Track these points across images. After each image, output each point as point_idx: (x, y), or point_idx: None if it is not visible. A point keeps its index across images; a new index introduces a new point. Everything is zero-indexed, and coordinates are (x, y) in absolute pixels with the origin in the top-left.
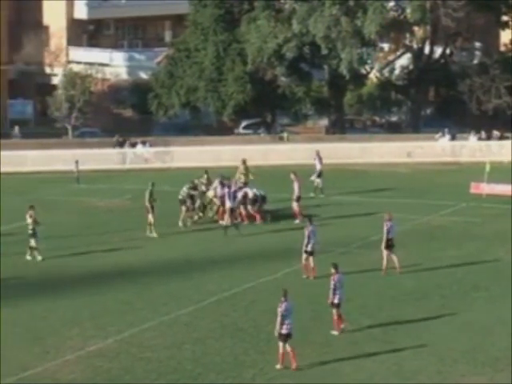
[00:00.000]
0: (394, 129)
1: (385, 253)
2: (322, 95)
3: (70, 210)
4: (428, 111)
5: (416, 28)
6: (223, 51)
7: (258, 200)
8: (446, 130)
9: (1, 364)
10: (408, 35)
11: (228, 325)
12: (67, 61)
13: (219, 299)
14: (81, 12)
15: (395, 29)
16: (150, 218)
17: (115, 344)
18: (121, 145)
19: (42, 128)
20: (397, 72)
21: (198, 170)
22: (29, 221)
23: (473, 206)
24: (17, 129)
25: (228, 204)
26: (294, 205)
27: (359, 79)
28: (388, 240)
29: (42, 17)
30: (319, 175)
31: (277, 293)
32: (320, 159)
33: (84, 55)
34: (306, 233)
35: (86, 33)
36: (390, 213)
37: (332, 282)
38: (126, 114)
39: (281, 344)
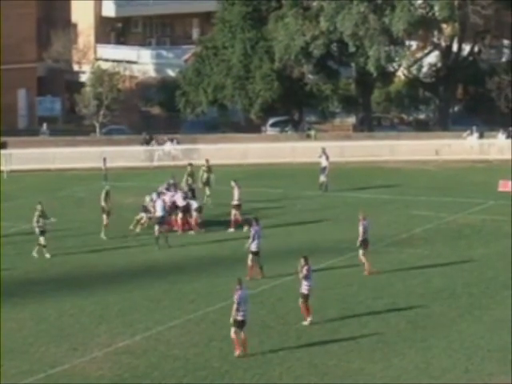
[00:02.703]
0: (421, 127)
1: (361, 252)
2: (349, 93)
3: (98, 207)
4: (456, 109)
5: (444, 25)
6: (251, 49)
7: (191, 209)
8: (475, 127)
9: (29, 361)
10: (436, 33)
11: (255, 322)
12: (95, 58)
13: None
14: (109, 10)
15: (423, 26)
16: (104, 219)
17: (143, 341)
18: (148, 142)
19: (70, 125)
20: (425, 70)
21: (225, 168)
22: (36, 218)
23: (501, 203)
24: (45, 126)
25: (158, 213)
26: (233, 213)
27: (387, 77)
28: (364, 240)
29: (71, 15)
30: (324, 173)
31: None
32: (327, 157)
33: (112, 53)
34: (252, 233)
35: (114, 30)
36: (364, 212)
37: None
38: (154, 111)
39: (233, 330)
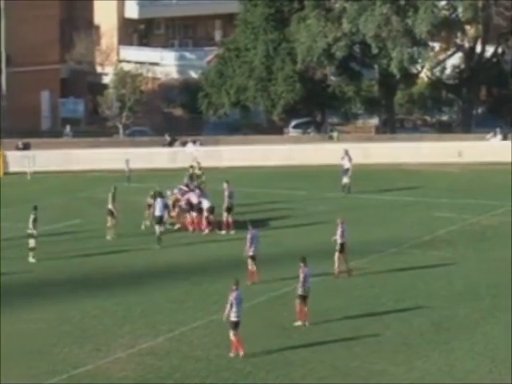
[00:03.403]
0: (444, 128)
1: (337, 256)
2: (372, 94)
3: (120, 208)
4: (479, 111)
5: (468, 27)
6: (273, 50)
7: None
8: (498, 129)
9: (53, 361)
10: (459, 34)
11: (278, 324)
12: (118, 60)
13: (269, 298)
14: (132, 11)
15: (446, 28)
16: (110, 221)
17: (166, 342)
18: (171, 144)
19: (93, 127)
20: (448, 71)
21: (248, 169)
22: (30, 221)
23: None
24: (68, 127)
25: (157, 212)
26: (224, 215)
27: (410, 78)
28: (341, 244)
29: (93, 16)
30: (347, 174)
31: (327, 293)
32: (349, 158)
33: (135, 54)
34: (248, 237)
35: (136, 32)
36: (342, 218)
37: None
38: (176, 113)
39: (232, 332)
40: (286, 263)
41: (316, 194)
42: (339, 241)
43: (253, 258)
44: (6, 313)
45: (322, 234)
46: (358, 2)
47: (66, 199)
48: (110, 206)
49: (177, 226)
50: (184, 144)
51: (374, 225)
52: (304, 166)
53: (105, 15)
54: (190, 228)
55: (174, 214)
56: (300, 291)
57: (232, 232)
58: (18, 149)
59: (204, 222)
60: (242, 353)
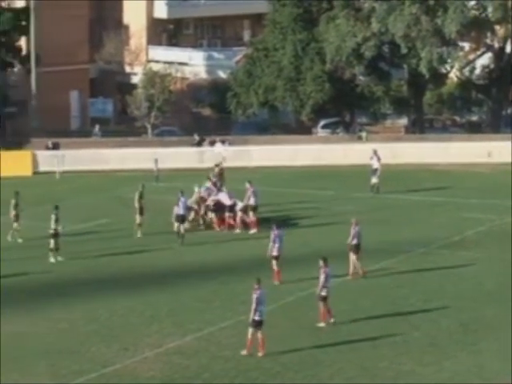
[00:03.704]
0: (474, 129)
1: (352, 257)
2: (401, 94)
3: (149, 208)
4: (509, 111)
5: (497, 27)
6: (302, 50)
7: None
8: None
9: (80, 360)
10: (489, 34)
11: (306, 324)
12: (147, 60)
13: (297, 298)
14: (161, 11)
15: (476, 28)
16: (139, 218)
17: (194, 342)
18: (199, 144)
19: (122, 127)
20: (477, 71)
21: (276, 169)
22: (52, 221)
23: None
24: (97, 127)
25: (180, 211)
26: (250, 214)
27: (439, 78)
28: (355, 245)
29: (123, 16)
30: (376, 174)
31: (355, 293)
32: (378, 158)
33: (163, 54)
34: (272, 237)
35: (165, 32)
36: (356, 218)
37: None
38: (205, 112)
39: (251, 330)
40: (313, 263)
41: (344, 194)
42: (354, 242)
43: (276, 257)
44: (35, 312)
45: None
46: (387, 1)
47: (94, 199)
48: (137, 204)
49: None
50: (212, 144)
51: (402, 225)
52: (332, 166)
53: (134, 15)
54: (218, 227)
55: (198, 212)
56: (321, 292)
57: (253, 231)
58: (47, 148)
59: (238, 221)
60: (262, 352)
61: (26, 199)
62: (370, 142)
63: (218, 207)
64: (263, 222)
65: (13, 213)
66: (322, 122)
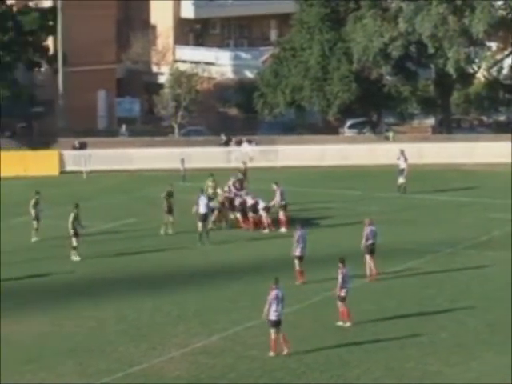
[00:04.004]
0: (501, 129)
1: (367, 258)
2: (428, 94)
3: (176, 207)
4: None
5: None
6: (329, 50)
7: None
8: None
9: (108, 359)
10: None
11: (331, 324)
12: (174, 60)
13: (323, 299)
14: (188, 11)
15: (503, 27)
16: (169, 217)
17: (220, 341)
18: (226, 143)
19: (149, 126)
20: (505, 71)
21: (303, 169)
22: (71, 220)
23: None
24: (124, 127)
25: (202, 210)
26: (281, 214)
27: (466, 78)
28: (370, 245)
29: (150, 16)
30: (403, 174)
31: (381, 293)
32: (405, 158)
33: (190, 54)
34: (295, 237)
35: (192, 32)
36: (371, 218)
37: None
38: (232, 112)
39: (272, 331)
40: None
41: (371, 194)
42: (368, 242)
43: (299, 258)
44: (63, 311)
45: (378, 234)
46: (414, 1)
47: (121, 198)
48: (165, 203)
49: (224, 225)
50: (239, 143)
51: (429, 225)
52: (359, 166)
53: (161, 15)
54: (243, 227)
55: (222, 212)
56: (340, 292)
57: (283, 230)
58: (74, 148)
59: (264, 221)
60: (286, 350)
61: (53, 199)
62: (397, 142)
63: (243, 207)
64: (291, 222)
65: (32, 212)
66: (349, 122)
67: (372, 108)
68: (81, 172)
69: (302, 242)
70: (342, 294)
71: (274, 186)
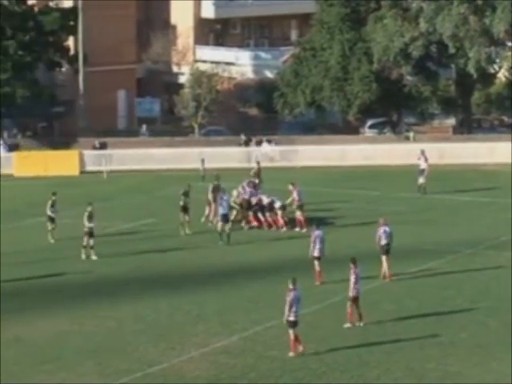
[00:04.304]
0: None
1: (384, 258)
2: (448, 94)
3: (195, 207)
4: None
5: None
6: (349, 50)
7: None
8: None
9: (128, 359)
10: None
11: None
12: (194, 60)
13: (343, 299)
14: (208, 11)
15: None
16: (185, 217)
17: (240, 341)
18: (246, 143)
19: (169, 126)
20: None
21: (323, 169)
22: (85, 218)
23: None
24: (144, 127)
25: (223, 210)
26: (298, 214)
27: (487, 78)
28: (385, 245)
29: (170, 16)
30: (423, 174)
31: (402, 293)
32: (426, 159)
33: (210, 54)
34: (312, 238)
35: (212, 32)
36: (385, 218)
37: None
38: (252, 112)
39: (291, 331)
40: (361, 263)
41: (391, 194)
42: (382, 242)
43: (318, 258)
44: (82, 311)
45: (398, 234)
46: (435, 1)
47: (141, 198)
48: (182, 203)
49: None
50: (259, 143)
51: (449, 225)
52: (379, 166)
53: (181, 15)
54: (258, 226)
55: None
56: (352, 293)
57: (304, 230)
58: (94, 148)
59: (280, 221)
60: (301, 348)
61: (73, 199)
62: (418, 142)
63: (259, 207)
64: (310, 222)
65: (48, 213)
66: (369, 122)
67: (392, 108)
68: (101, 172)
69: (320, 243)
70: (354, 294)
71: (290, 187)
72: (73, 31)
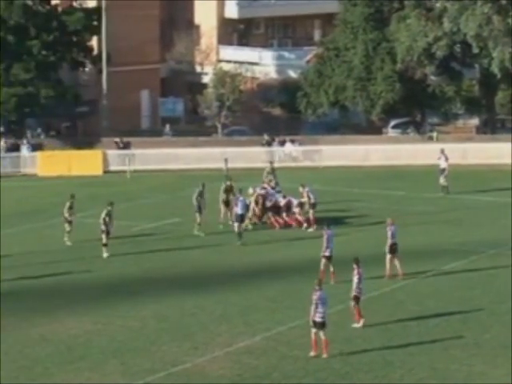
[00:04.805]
0: None
1: (388, 257)
2: (472, 94)
3: (218, 207)
4: None
5: None
6: (372, 50)
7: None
8: None
9: (151, 359)
10: None
11: (376, 325)
12: (217, 60)
13: (367, 299)
14: (231, 11)
15: None
16: (198, 217)
17: (263, 341)
18: (269, 143)
19: (192, 126)
20: None
21: (346, 169)
22: (102, 217)
23: None
24: (167, 127)
25: (239, 211)
26: (311, 212)
27: (511, 78)
28: (392, 245)
29: (194, 16)
30: (444, 174)
31: (426, 293)
32: (446, 158)
33: (234, 54)
34: (325, 237)
35: (236, 32)
36: (392, 218)
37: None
38: (275, 112)
39: (314, 331)
40: (384, 263)
41: (415, 194)
42: (389, 242)
43: (328, 258)
44: (106, 310)
45: (421, 234)
46: (459, 1)
47: (164, 198)
48: (195, 203)
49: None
50: (282, 143)
51: (473, 226)
52: (403, 166)
53: (205, 15)
54: (276, 227)
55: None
56: (355, 292)
57: (310, 229)
58: (118, 148)
59: (299, 218)
60: (325, 355)
61: (97, 198)
62: (441, 142)
63: (275, 207)
64: (333, 222)
65: (66, 215)
66: (393, 122)
67: (416, 108)
68: (124, 172)
69: (330, 243)
70: (356, 294)
71: (301, 189)
72: (96, 31)
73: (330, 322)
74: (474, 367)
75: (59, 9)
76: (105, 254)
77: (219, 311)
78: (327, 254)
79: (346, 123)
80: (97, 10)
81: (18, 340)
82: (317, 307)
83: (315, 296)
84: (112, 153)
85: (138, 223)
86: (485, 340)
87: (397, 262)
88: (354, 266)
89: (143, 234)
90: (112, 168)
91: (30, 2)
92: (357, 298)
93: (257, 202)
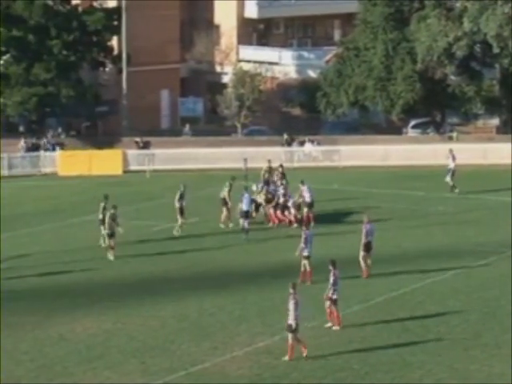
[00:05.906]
0: None
1: (362, 255)
2: (492, 94)
3: (237, 207)
4: None
5: None
6: (392, 50)
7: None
8: None
9: (171, 358)
10: None
11: (395, 325)
12: (237, 59)
13: (387, 299)
14: (251, 11)
15: None
16: (179, 219)
17: (282, 341)
18: (289, 143)
19: (212, 126)
20: None
21: (366, 169)
22: (106, 221)
23: None
24: (187, 126)
25: (244, 207)
26: (305, 211)
27: None
28: (367, 243)
29: (214, 16)
30: (451, 173)
31: (445, 294)
32: (453, 158)
33: (254, 54)
34: (303, 237)
35: (255, 32)
36: (368, 215)
37: (331, 279)
38: (294, 112)
39: (290, 335)
40: (405, 264)
41: (434, 194)
42: (363, 240)
43: (307, 258)
44: (126, 310)
45: (441, 234)
46: (479, 1)
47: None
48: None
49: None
50: (302, 143)
51: (493, 226)
52: (423, 167)
53: (225, 15)
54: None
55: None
56: (332, 295)
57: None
58: (138, 147)
59: (290, 217)
60: (305, 353)
61: (117, 198)
62: (461, 142)
63: (277, 205)
64: (353, 222)
65: (100, 216)
66: (413, 122)
67: (436, 108)
68: (144, 171)
69: (309, 243)
70: (334, 296)
71: (300, 186)
72: (116, 31)
73: (348, 321)
74: (494, 368)
75: (80, 9)
76: (111, 257)
77: (238, 311)
78: (305, 253)
79: (365, 123)
80: (117, 10)
81: (38, 339)
82: (292, 311)
83: (291, 300)
84: (132, 152)
85: (158, 223)
86: (504, 341)
87: (369, 261)
88: (331, 267)
89: (163, 233)
90: (132, 168)
91: (50, 2)
92: (331, 300)
93: (266, 201)
